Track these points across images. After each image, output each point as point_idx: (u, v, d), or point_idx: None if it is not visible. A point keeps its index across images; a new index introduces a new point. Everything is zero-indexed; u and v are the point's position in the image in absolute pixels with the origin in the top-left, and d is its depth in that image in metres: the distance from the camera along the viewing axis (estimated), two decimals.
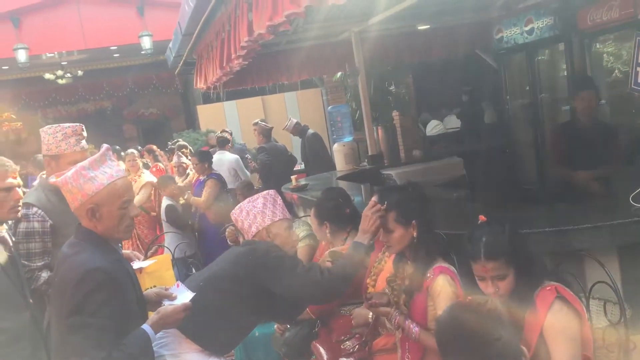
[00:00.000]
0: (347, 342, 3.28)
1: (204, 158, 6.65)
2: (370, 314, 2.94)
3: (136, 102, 16.98)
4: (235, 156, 8.04)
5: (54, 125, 3.17)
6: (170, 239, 6.06)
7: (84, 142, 3.18)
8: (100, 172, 2.28)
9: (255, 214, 3.04)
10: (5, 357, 2.52)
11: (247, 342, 3.85)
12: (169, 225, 6.31)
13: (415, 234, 2.62)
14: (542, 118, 7.34)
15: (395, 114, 9.12)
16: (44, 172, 8.40)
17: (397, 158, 8.00)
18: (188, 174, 7.50)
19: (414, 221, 2.62)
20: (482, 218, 2.39)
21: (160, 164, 8.94)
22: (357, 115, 9.13)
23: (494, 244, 2.21)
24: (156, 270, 3.54)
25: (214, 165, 6.93)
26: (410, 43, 7.83)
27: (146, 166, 8.59)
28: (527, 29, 7.01)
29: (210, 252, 5.97)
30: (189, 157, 7.73)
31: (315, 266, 2.87)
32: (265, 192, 3.18)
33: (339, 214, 3.51)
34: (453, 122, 9.94)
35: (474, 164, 6.98)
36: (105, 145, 2.46)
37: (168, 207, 6.31)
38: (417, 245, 2.63)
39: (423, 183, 3.31)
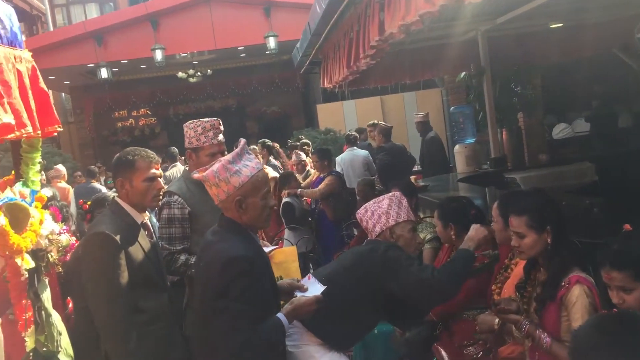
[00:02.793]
0: (470, 348, 3.22)
1: (323, 156, 6.76)
2: (496, 320, 2.86)
3: (259, 100, 17.62)
4: (366, 151, 8.12)
5: (195, 120, 3.34)
6: (290, 233, 6.23)
7: (221, 135, 3.34)
8: (242, 165, 2.40)
9: (380, 214, 3.07)
10: (145, 335, 2.65)
11: (366, 339, 3.89)
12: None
13: (549, 240, 2.53)
14: None
15: (520, 115, 8.76)
16: (175, 163, 8.86)
17: (521, 161, 7.67)
18: (308, 172, 7.68)
19: (548, 227, 2.52)
20: (626, 227, 2.26)
21: (279, 161, 9.24)
22: (480, 116, 8.88)
23: (624, 253, 2.08)
24: (284, 262, 3.66)
25: (346, 162, 7.02)
26: (541, 42, 7.48)
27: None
28: None
29: (328, 249, 6.10)
30: (310, 155, 7.90)
31: (429, 266, 2.86)
32: (391, 193, 3.21)
33: (464, 216, 3.47)
34: (581, 126, 9.41)
35: (606, 169, 6.55)
36: (242, 140, 2.59)
37: (285, 204, 6.49)
38: (551, 252, 2.54)
39: (552, 188, 3.19)
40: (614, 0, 6.09)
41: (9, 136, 1.88)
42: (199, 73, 15.60)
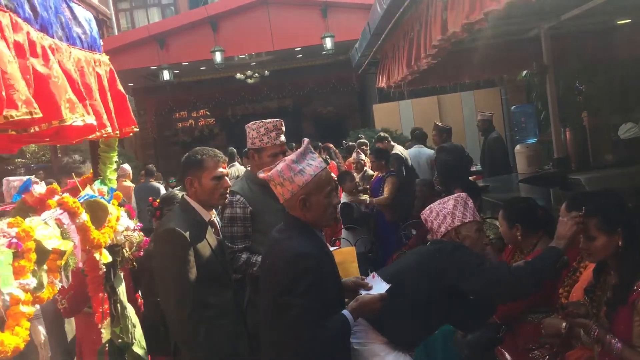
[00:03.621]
0: (535, 351, 3.17)
1: (381, 156, 6.77)
2: (563, 324, 2.80)
3: (315, 101, 17.74)
4: (432, 151, 8.09)
5: (257, 121, 3.39)
6: (348, 234, 6.26)
7: (283, 136, 3.38)
8: (306, 164, 2.44)
9: (445, 215, 3.05)
10: (213, 330, 2.73)
11: (427, 339, 3.88)
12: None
13: (621, 243, 2.45)
14: None
15: (584, 114, 8.50)
16: (234, 163, 9.01)
17: (586, 162, 7.43)
18: (365, 171, 7.69)
19: (619, 229, 2.45)
20: None
21: (334, 162, 9.27)
22: (542, 115, 8.67)
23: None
24: (342, 262, 3.67)
25: (411, 158, 7.00)
26: (606, 39, 7.23)
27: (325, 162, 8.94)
28: None
29: (386, 249, 6.09)
30: (368, 155, 7.91)
31: (504, 264, 2.82)
32: (456, 194, 3.19)
33: (531, 216, 3.41)
34: None
35: None
36: (306, 139, 2.62)
37: (343, 205, 6.51)
38: (622, 255, 2.46)
39: (620, 190, 3.08)
40: None
41: (90, 136, 1.98)
42: (256, 74, 15.84)
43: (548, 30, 6.62)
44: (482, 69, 7.46)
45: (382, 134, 8.62)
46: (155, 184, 9.19)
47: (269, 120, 3.37)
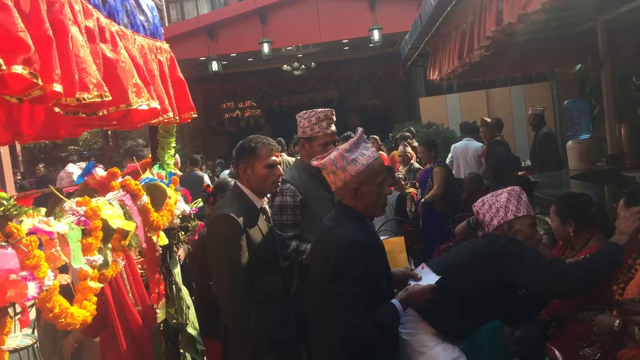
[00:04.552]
0: (587, 349, 3.10)
1: (430, 147, 6.73)
2: (617, 322, 2.74)
3: (361, 93, 17.69)
4: (481, 144, 8.01)
5: (309, 110, 3.41)
6: (396, 224, 6.24)
7: (333, 126, 3.40)
8: (359, 154, 2.46)
9: (498, 208, 3.02)
10: (263, 314, 2.78)
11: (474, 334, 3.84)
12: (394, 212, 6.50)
13: None
14: None
15: None
16: (282, 153, 9.01)
17: None
18: (412, 164, 7.65)
19: None
20: None
21: (384, 154, 9.26)
22: (596, 111, 8.43)
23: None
24: (391, 252, 3.68)
25: (458, 151, 6.94)
26: None
27: None
28: None
29: (434, 241, 6.04)
30: (416, 146, 7.88)
31: (560, 259, 2.77)
32: (510, 187, 3.14)
33: (585, 212, 3.34)
34: None
35: None
36: (360, 129, 2.64)
37: (399, 197, 6.50)
38: None
39: None
40: None
41: (153, 120, 2.04)
42: (303, 66, 15.91)
43: (604, 23, 6.42)
44: (535, 62, 7.32)
45: (406, 132, 8.62)
46: (199, 172, 9.34)
47: (320, 109, 3.39)
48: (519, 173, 7.29)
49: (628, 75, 8.57)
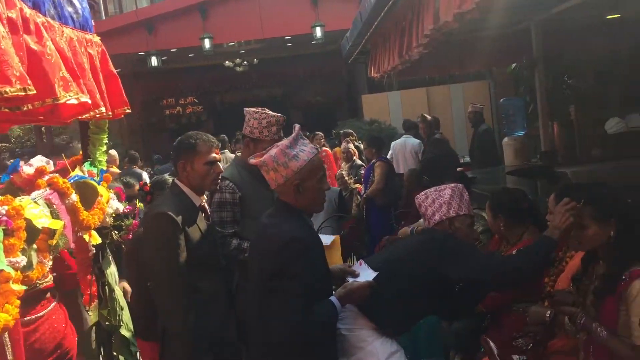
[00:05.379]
0: (519, 340, 3.19)
1: (373, 143, 6.81)
2: (548, 312, 2.84)
3: (304, 90, 17.69)
4: (419, 140, 8.13)
5: (260, 110, 3.36)
6: (337, 221, 6.26)
7: (281, 132, 3.37)
8: (299, 150, 2.44)
9: (441, 204, 3.06)
10: (202, 314, 2.74)
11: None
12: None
13: (613, 233, 2.47)
14: None
15: (572, 109, 8.56)
16: (224, 150, 8.96)
17: (573, 156, 7.49)
18: (354, 161, 7.70)
19: (613, 219, 2.47)
20: None
21: (328, 150, 9.29)
22: (530, 109, 8.71)
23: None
24: (326, 250, 3.68)
25: (398, 147, 7.02)
26: (596, 34, 7.26)
27: None
28: None
29: (376, 235, 6.10)
30: (357, 143, 7.95)
31: (497, 254, 2.83)
32: (453, 184, 3.18)
33: (514, 207, 3.43)
34: (636, 120, 9.10)
35: None
36: (297, 125, 2.62)
37: (340, 193, 6.52)
38: (614, 245, 2.48)
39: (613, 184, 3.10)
40: None
41: (84, 115, 1.97)
42: (245, 62, 15.78)
43: (538, 23, 6.63)
44: (473, 60, 7.47)
45: (348, 130, 8.71)
46: (137, 170, 9.13)
47: (273, 114, 3.35)
48: (459, 169, 7.46)
49: (561, 75, 8.88)
